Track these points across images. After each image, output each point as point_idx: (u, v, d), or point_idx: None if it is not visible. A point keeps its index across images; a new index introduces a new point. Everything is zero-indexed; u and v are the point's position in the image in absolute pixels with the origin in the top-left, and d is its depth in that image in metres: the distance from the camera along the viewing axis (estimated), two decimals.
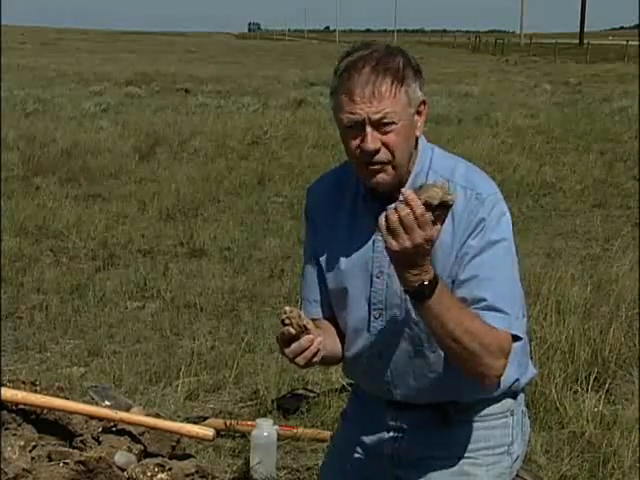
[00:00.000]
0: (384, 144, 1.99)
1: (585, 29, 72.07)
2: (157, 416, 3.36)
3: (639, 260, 6.33)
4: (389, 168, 2.01)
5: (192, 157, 11.48)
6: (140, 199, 8.76)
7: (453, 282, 2.02)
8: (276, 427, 3.65)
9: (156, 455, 3.14)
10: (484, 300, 1.98)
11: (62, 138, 12.34)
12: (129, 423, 3.14)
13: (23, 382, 3.21)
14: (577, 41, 65.53)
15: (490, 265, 2.00)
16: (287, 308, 1.98)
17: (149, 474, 2.90)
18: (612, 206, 9.01)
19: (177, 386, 4.34)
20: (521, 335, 2.04)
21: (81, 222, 7.71)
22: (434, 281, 1.87)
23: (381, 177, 2.02)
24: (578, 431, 3.77)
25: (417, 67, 2.03)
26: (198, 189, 9.29)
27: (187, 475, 3.03)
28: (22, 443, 2.88)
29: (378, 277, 2.08)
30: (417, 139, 2.08)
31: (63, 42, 61.50)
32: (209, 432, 3.29)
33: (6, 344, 4.99)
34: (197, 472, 3.08)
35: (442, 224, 1.83)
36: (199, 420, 3.82)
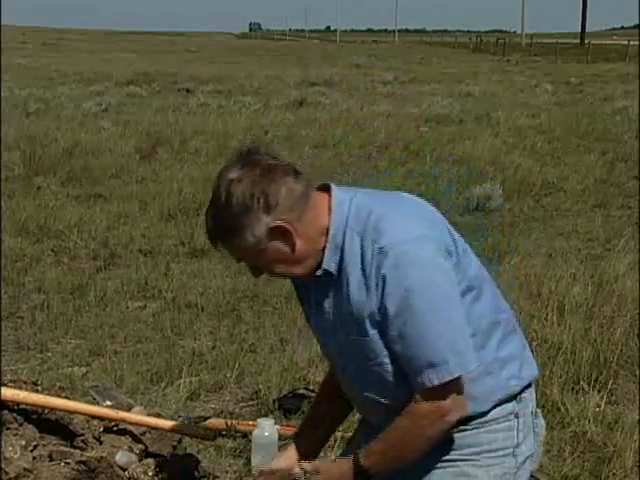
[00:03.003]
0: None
1: (586, 29, 72.06)
2: (158, 416, 3.36)
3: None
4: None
5: (193, 157, 11.48)
6: (141, 199, 8.76)
7: (375, 321, 2.05)
8: (277, 427, 3.63)
9: (157, 455, 3.13)
10: (418, 359, 2.01)
11: (63, 138, 12.33)
12: (130, 423, 3.14)
13: (24, 382, 3.20)
14: (578, 41, 65.53)
15: (415, 322, 2.00)
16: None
17: (150, 474, 2.89)
18: (613, 206, 9.00)
19: (178, 386, 4.33)
20: (471, 367, 2.04)
21: (82, 222, 7.71)
22: None
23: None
24: (580, 431, 3.77)
25: (260, 199, 2.02)
26: (199, 189, 9.26)
27: None
28: (23, 443, 2.88)
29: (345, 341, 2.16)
30: (330, 207, 2.08)
31: (64, 42, 61.53)
32: (210, 432, 3.28)
33: (7, 344, 4.98)
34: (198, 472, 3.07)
35: None
36: (200, 420, 3.82)
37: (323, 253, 2.07)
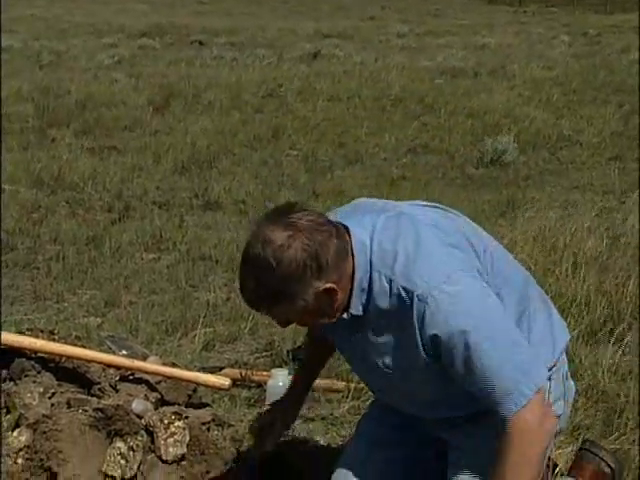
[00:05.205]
0: None
1: None
2: (173, 365, 3.39)
3: None
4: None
5: (206, 110, 11.42)
6: (155, 151, 8.75)
7: (422, 359, 2.07)
8: (291, 377, 3.66)
9: (173, 404, 3.16)
10: (492, 391, 2.00)
11: (77, 90, 12.29)
12: (146, 372, 3.17)
13: (41, 331, 3.24)
14: None
15: (477, 358, 1.99)
16: None
17: (166, 422, 2.92)
18: (629, 159, 8.92)
19: (193, 337, 4.37)
20: (543, 380, 2.06)
21: (96, 174, 7.72)
22: None
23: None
24: (593, 383, 3.79)
25: (312, 265, 1.97)
26: (212, 142, 9.26)
27: (203, 423, 3.05)
28: (41, 390, 2.92)
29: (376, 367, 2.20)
30: (352, 249, 2.06)
31: None
32: (225, 382, 3.31)
33: (25, 294, 5.04)
34: (213, 420, 3.10)
35: None
36: (215, 370, 3.85)
37: (349, 297, 2.07)
